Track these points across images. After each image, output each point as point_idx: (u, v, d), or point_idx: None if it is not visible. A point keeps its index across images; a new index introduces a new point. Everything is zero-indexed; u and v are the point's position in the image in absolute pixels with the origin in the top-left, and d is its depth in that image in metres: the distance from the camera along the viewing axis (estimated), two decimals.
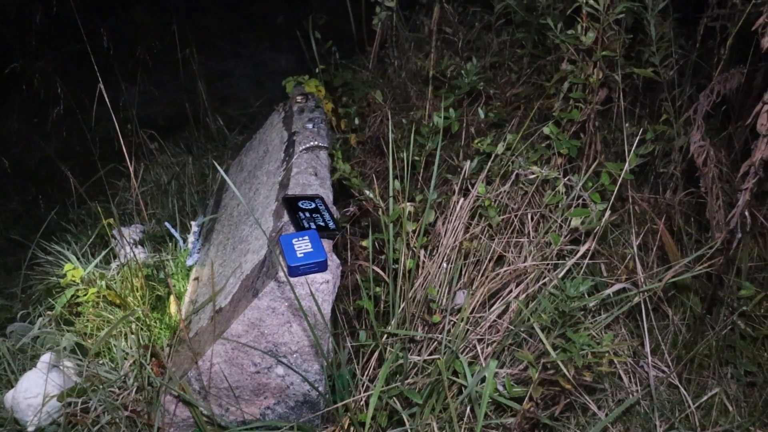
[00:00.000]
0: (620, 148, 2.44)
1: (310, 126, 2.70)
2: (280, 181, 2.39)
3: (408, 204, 2.05)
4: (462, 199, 2.14)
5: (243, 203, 2.60)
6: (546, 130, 2.20)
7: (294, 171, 2.37)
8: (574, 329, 1.63)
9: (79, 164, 3.44)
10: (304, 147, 2.50)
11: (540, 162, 2.21)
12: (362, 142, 3.17)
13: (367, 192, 1.94)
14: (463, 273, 2.09)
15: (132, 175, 2.32)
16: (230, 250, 2.43)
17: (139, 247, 3.02)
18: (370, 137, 3.10)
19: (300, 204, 2.12)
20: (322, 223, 2.02)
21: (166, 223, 2.89)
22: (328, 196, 2.24)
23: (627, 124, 2.19)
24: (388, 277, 2.02)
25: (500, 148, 2.26)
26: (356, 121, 3.07)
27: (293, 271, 1.79)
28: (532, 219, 2.07)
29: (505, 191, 2.19)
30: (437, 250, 2.10)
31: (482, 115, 2.47)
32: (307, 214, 2.06)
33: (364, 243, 2.29)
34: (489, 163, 2.21)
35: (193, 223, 2.86)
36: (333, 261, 1.90)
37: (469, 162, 2.26)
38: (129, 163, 2.22)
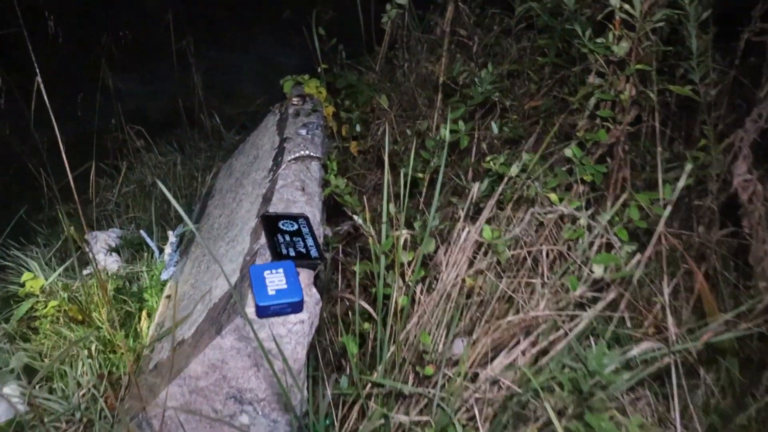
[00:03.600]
0: (650, 175, 2.14)
1: (303, 132, 2.43)
2: (263, 194, 2.12)
3: (404, 230, 1.77)
4: (467, 228, 1.86)
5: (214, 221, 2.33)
6: (568, 151, 1.91)
7: (279, 183, 2.09)
8: (593, 400, 1.35)
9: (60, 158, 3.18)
10: (293, 156, 2.23)
11: (560, 189, 1.92)
12: (364, 151, 2.89)
13: (356, 218, 1.66)
14: (464, 314, 1.80)
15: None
16: (204, 269, 2.16)
17: (113, 255, 2.75)
18: (372, 146, 2.81)
19: (280, 224, 1.84)
20: (303, 250, 1.74)
21: (142, 231, 2.63)
22: (314, 215, 1.96)
23: (659, 149, 1.90)
24: (378, 314, 1.73)
25: (515, 169, 1.98)
26: (357, 128, 2.79)
27: (262, 311, 1.51)
28: (547, 256, 1.78)
29: (517, 219, 1.91)
30: (436, 285, 1.82)
31: (496, 130, 2.19)
32: (287, 238, 1.78)
33: (355, 267, 2.01)
34: (501, 186, 1.93)
35: (170, 232, 2.59)
36: (311, 296, 1.63)
37: (478, 184, 1.98)
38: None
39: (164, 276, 2.49)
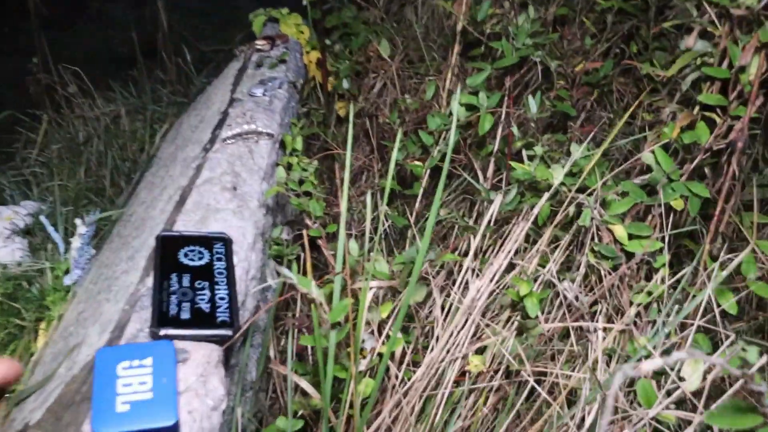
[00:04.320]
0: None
1: (258, 92, 1.71)
2: (181, 192, 1.42)
3: (372, 282, 1.07)
4: (477, 270, 1.16)
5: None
6: (647, 157, 1.18)
7: (202, 177, 1.39)
8: None
9: None
10: (233, 132, 1.52)
11: (630, 216, 1.20)
12: (356, 114, 2.16)
13: (287, 272, 0.96)
14: (461, 415, 1.12)
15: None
16: (97, 292, 1.48)
17: (17, 239, 2.08)
18: (364, 110, 2.08)
19: (182, 255, 1.15)
20: (207, 307, 1.06)
21: (42, 218, 1.95)
22: (244, 234, 1.26)
23: None
24: (324, 413, 1.05)
25: (559, 174, 1.26)
26: (345, 84, 2.06)
27: None
28: (604, 333, 1.08)
29: (554, 261, 1.20)
30: (423, 359, 1.13)
31: (534, 108, 1.45)
32: (186, 282, 1.10)
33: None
34: (540, 202, 1.22)
35: (78, 221, 1.90)
36: (211, 397, 0.95)
37: (499, 196, 1.26)
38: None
39: (67, 281, 1.82)
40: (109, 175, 2.38)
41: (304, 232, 1.43)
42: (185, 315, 1.04)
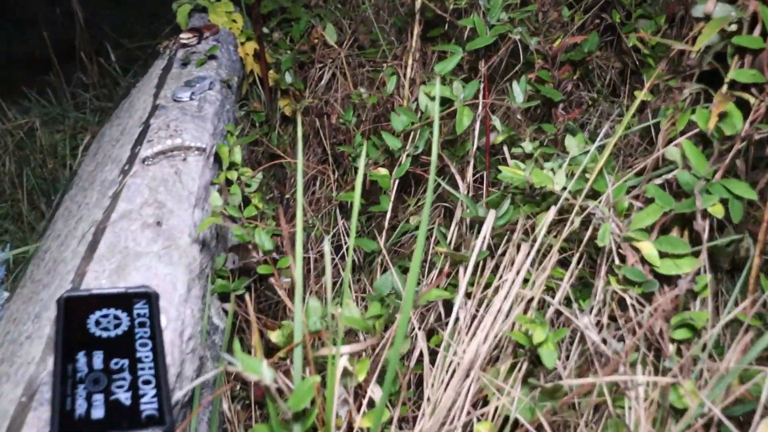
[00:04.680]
0: None
1: (185, 96, 1.43)
2: (95, 230, 1.14)
3: (343, 351, 0.82)
4: (470, 313, 0.92)
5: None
6: (672, 152, 0.94)
7: (119, 210, 1.12)
8: None
9: None
10: (155, 150, 1.24)
11: (655, 229, 0.97)
12: (303, 112, 1.88)
13: (228, 357, 0.69)
14: None
15: None
16: (9, 341, 1.19)
17: None
18: (312, 106, 1.81)
19: (91, 324, 0.89)
20: (128, 399, 0.79)
21: None
22: (174, 285, 0.99)
23: None
24: None
25: (560, 178, 1.02)
26: (288, 78, 1.79)
27: None
28: (646, 397, 0.84)
29: (564, 288, 0.96)
30: None
31: (519, 97, 1.21)
32: (98, 364, 0.83)
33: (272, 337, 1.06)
34: (549, 215, 0.98)
35: None
36: None
37: (492, 214, 1.02)
38: None
39: None
40: (26, 198, 2.08)
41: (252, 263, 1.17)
42: (98, 413, 0.77)
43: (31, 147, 2.23)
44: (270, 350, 1.46)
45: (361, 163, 0.71)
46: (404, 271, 1.28)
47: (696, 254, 0.92)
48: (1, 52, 3.05)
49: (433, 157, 0.66)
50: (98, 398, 0.79)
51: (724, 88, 0.98)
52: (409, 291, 0.69)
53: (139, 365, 0.84)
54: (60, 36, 2.74)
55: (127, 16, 3.35)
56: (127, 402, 0.79)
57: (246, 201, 1.33)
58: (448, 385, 0.90)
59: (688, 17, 1.50)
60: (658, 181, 0.99)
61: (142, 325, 0.90)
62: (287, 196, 1.69)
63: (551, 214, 0.95)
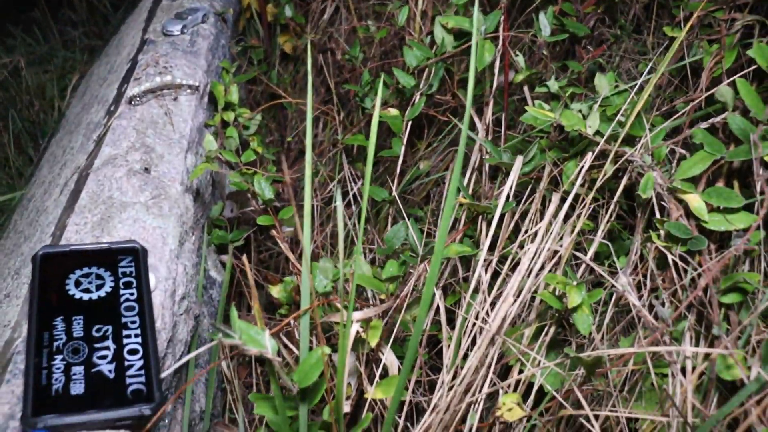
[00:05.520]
0: None
1: (175, 29, 1.31)
2: (78, 175, 1.04)
3: (356, 315, 0.72)
4: (492, 270, 0.82)
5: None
6: (724, 92, 0.84)
7: (103, 155, 1.01)
8: None
9: None
10: (143, 88, 1.12)
11: (703, 180, 0.87)
12: (304, 49, 1.75)
13: (226, 329, 0.60)
14: None
15: None
16: None
17: None
18: (315, 41, 1.68)
19: (71, 285, 0.79)
20: (111, 371, 0.70)
21: None
22: (164, 239, 0.89)
23: None
24: None
25: (594, 121, 0.91)
26: (288, 12, 1.66)
27: None
28: (694, 360, 0.75)
29: (596, 242, 0.86)
30: (435, 408, 0.80)
31: (546, 30, 1.09)
32: (78, 331, 0.74)
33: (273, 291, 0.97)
34: (585, 162, 0.88)
35: None
36: None
37: (519, 161, 0.91)
38: None
39: None
40: (12, 142, 1.96)
41: (252, 213, 1.07)
42: (77, 388, 0.68)
43: (16, 88, 2.10)
44: (270, 304, 1.37)
45: (377, 104, 0.60)
46: (416, 220, 1.18)
47: (748, 208, 0.82)
48: None
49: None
50: (78, 371, 0.70)
51: None
52: (438, 251, 0.59)
53: (125, 332, 0.75)
54: None
55: None
56: (111, 375, 0.70)
57: (244, 144, 1.22)
58: (469, 351, 0.81)
59: None
60: (705, 125, 0.89)
61: (127, 285, 0.80)
62: (289, 139, 1.58)
63: (588, 160, 0.84)
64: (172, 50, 1.25)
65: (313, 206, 1.36)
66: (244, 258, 0.64)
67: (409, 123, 1.13)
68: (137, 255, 0.84)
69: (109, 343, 0.73)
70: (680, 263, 0.83)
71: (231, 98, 1.22)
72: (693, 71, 1.20)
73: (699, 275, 0.80)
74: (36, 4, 2.46)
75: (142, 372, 0.71)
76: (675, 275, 0.83)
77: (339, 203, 0.57)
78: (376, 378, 0.83)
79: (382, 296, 0.85)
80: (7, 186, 1.86)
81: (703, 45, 1.07)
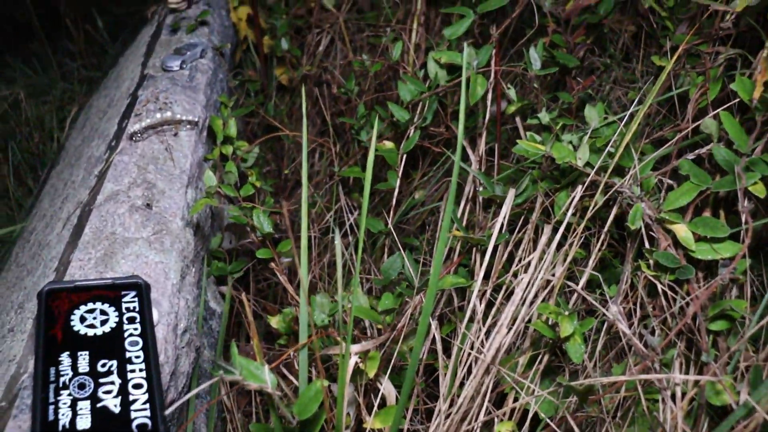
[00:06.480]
0: None
1: (174, 65, 1.34)
2: (80, 212, 1.06)
3: (354, 349, 0.75)
4: (486, 300, 0.84)
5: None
6: (709, 125, 0.87)
7: (106, 191, 1.03)
8: None
9: None
10: (143, 125, 1.15)
11: (689, 211, 0.90)
12: (302, 79, 1.78)
13: (225, 365, 0.62)
14: None
15: None
16: None
17: None
18: (309, 75, 1.72)
19: (76, 320, 0.81)
20: (117, 406, 0.72)
21: None
22: (166, 274, 0.92)
23: None
24: None
25: (584, 153, 0.94)
26: (284, 44, 1.69)
27: None
28: (678, 395, 0.78)
29: (586, 272, 0.88)
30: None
31: (537, 63, 1.12)
32: (83, 366, 0.76)
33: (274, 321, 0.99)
34: (576, 194, 0.91)
35: None
36: None
37: (511, 193, 0.94)
38: None
39: None
40: (12, 174, 1.99)
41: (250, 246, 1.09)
42: (84, 423, 0.70)
43: (16, 119, 2.13)
44: (269, 333, 1.39)
45: (373, 138, 0.63)
46: (411, 249, 1.20)
47: (734, 237, 0.84)
48: None
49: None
50: (84, 406, 0.72)
51: (766, 52, 0.89)
52: (432, 283, 0.61)
53: (129, 367, 0.77)
54: (42, 1, 2.62)
55: None
56: (116, 409, 0.72)
57: (242, 177, 1.25)
58: (464, 380, 0.83)
59: None
60: (691, 156, 0.91)
61: (131, 320, 0.82)
62: (286, 171, 1.60)
63: (578, 192, 0.87)
64: (172, 86, 1.27)
65: (310, 237, 1.38)
66: (243, 295, 0.66)
67: (404, 156, 1.15)
68: (140, 290, 0.86)
69: (114, 377, 0.75)
70: (669, 292, 0.85)
71: (229, 132, 1.24)
72: (680, 100, 1.23)
73: (687, 303, 0.82)
74: (35, 35, 2.50)
75: (147, 406, 0.73)
76: (664, 303, 0.85)
77: (338, 241, 0.60)
78: (375, 407, 0.84)
79: (379, 326, 0.87)
80: (7, 217, 1.88)
81: (690, 75, 1.11)
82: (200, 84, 1.31)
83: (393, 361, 0.91)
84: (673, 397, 0.76)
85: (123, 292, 0.85)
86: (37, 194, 1.82)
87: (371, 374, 0.82)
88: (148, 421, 0.71)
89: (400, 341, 0.88)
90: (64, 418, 0.70)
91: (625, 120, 0.98)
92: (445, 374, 0.87)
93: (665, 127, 1.19)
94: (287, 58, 1.76)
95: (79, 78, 2.46)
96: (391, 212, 1.17)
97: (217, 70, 1.43)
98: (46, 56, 2.48)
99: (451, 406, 0.85)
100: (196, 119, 1.19)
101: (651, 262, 0.87)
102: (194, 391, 0.66)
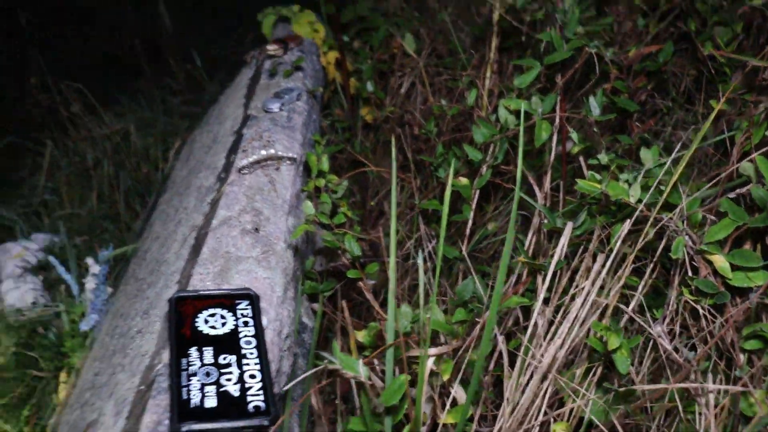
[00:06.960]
0: None
1: (275, 107, 1.52)
2: (196, 234, 1.24)
3: (431, 350, 0.89)
4: (547, 318, 0.97)
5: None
6: (746, 168, 0.99)
7: (219, 216, 1.21)
8: None
9: None
10: (250, 160, 1.33)
11: (727, 243, 1.01)
12: (385, 119, 1.96)
13: (329, 356, 0.78)
14: None
15: None
16: (112, 352, 1.31)
17: (29, 278, 1.92)
18: (392, 115, 1.89)
19: (200, 322, 0.98)
20: (236, 391, 0.88)
21: (51, 258, 1.78)
22: (273, 288, 1.08)
23: None
24: None
25: (635, 192, 1.06)
26: (369, 87, 1.87)
27: None
28: (711, 404, 0.89)
29: (638, 297, 1.01)
30: None
31: (596, 110, 1.25)
32: (208, 358, 0.92)
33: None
34: (624, 228, 1.03)
35: (90, 261, 1.74)
36: None
37: (569, 225, 1.07)
38: None
39: (84, 326, 1.66)
40: (123, 200, 2.22)
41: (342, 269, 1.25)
42: (210, 402, 0.87)
43: (126, 151, 2.37)
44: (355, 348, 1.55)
45: (450, 175, 0.78)
46: (483, 275, 1.34)
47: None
48: (86, 55, 3.18)
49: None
50: (210, 389, 0.88)
51: None
52: (495, 301, 0.76)
53: (245, 361, 0.93)
54: (146, 41, 2.88)
55: (208, 24, 3.50)
56: (236, 393, 0.89)
57: (333, 206, 1.42)
58: (526, 386, 0.96)
59: (766, 25, 1.50)
60: (732, 195, 1.03)
61: (245, 324, 0.99)
62: (372, 203, 1.77)
63: (626, 226, 1.00)
64: (273, 126, 1.46)
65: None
66: (344, 303, 0.82)
67: (478, 191, 1.30)
68: (252, 300, 1.03)
69: (234, 368, 0.92)
70: (708, 315, 0.97)
71: (323, 167, 1.41)
72: (732, 143, 1.34)
73: (722, 324, 0.94)
74: (142, 74, 2.76)
75: (261, 392, 0.89)
76: (705, 324, 0.97)
77: (420, 264, 0.75)
78: (447, 407, 0.98)
79: (453, 340, 1.01)
80: (119, 239, 2.10)
81: (741, 121, 1.22)
82: (297, 124, 1.49)
83: (463, 370, 1.05)
84: (707, 405, 0.88)
85: (237, 301, 1.02)
86: (146, 218, 2.04)
87: (445, 378, 0.96)
88: (263, 404, 0.87)
89: (470, 351, 1.02)
90: (195, 398, 0.87)
91: (675, 161, 1.10)
92: (509, 382, 1.00)
93: (721, 167, 1.30)
94: (372, 99, 1.93)
95: (180, 113, 2.70)
96: (466, 241, 1.31)
97: (311, 111, 1.61)
98: (151, 93, 2.74)
99: (513, 411, 0.99)
100: (295, 156, 1.37)
101: (693, 288, 0.99)
102: (301, 377, 0.82)
